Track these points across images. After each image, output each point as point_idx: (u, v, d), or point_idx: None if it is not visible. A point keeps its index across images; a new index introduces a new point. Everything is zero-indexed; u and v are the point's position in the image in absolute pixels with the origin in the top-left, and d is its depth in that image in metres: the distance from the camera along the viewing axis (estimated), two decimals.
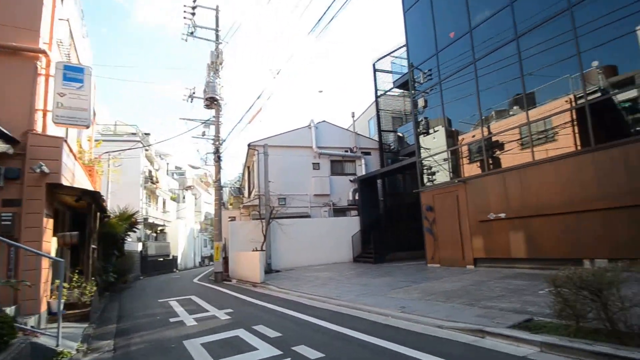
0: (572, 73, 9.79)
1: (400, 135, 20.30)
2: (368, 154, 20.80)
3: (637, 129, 8.99)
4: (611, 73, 9.52)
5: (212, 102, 16.83)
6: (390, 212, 18.82)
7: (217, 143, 17.02)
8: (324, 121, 20.82)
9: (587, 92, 9.45)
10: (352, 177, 19.92)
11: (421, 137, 14.68)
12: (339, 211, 19.61)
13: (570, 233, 9.23)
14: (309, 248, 17.28)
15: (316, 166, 19.88)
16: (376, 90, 20.29)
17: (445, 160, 13.57)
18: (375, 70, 20.32)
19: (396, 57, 19.35)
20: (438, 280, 9.91)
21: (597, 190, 8.73)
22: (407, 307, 6.61)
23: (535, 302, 5.95)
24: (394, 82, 19.32)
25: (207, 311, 8.40)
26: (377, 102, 20.35)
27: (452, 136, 13.51)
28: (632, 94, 9.06)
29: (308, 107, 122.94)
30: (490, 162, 11.98)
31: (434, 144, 14.12)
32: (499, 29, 11.46)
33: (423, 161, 14.57)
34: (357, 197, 19.14)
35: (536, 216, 10.08)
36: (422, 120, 14.70)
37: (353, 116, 21.73)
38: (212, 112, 17.19)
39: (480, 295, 7.11)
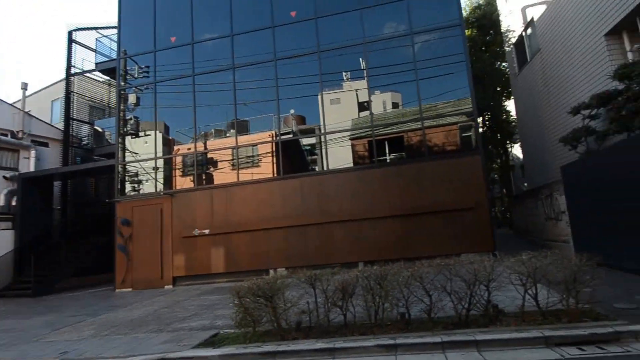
0: (276, 113, 11.62)
1: (99, 129, 16.85)
2: (45, 144, 15.71)
3: (312, 167, 11.88)
4: (301, 121, 12.16)
5: None
6: (70, 225, 14.88)
7: None
8: None
9: (282, 131, 11.55)
10: (8, 173, 14.18)
11: (128, 139, 12.72)
12: None
13: (262, 247, 10.68)
14: None
15: None
16: (69, 65, 15.95)
17: (154, 169, 12.35)
18: (71, 41, 16.00)
19: (105, 37, 16.11)
20: (125, 308, 8.53)
21: (282, 211, 10.63)
22: (71, 352, 5.18)
23: (225, 316, 6.02)
24: (97, 64, 15.91)
25: None
26: (68, 80, 15.97)
27: (168, 144, 12.60)
28: (311, 140, 11.90)
29: None
30: (204, 177, 12.09)
31: (144, 148, 12.59)
32: (220, 54, 12.06)
33: (126, 166, 12.60)
34: (14, 203, 13.77)
35: (236, 232, 10.98)
36: (131, 119, 12.79)
37: (25, 88, 15.84)
38: None
39: (172, 318, 6.77)
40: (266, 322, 4.76)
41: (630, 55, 7.99)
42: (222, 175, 11.84)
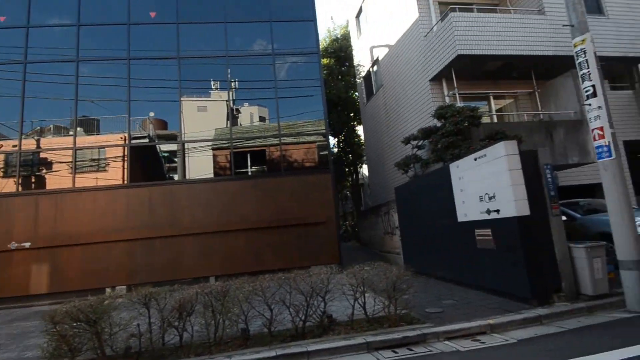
0: (133, 115, 10.37)
1: None
2: None
3: (170, 176, 10.96)
4: (162, 126, 11.14)
5: None
6: None
7: None
8: None
9: (137, 135, 10.41)
10: None
11: None
12: None
13: (99, 263, 9.37)
14: None
15: None
16: None
17: None
18: None
19: None
20: None
21: (126, 222, 9.56)
22: None
23: (39, 345, 4.90)
24: None
25: None
26: None
27: None
28: (172, 147, 11.00)
29: None
30: (33, 180, 9.86)
31: None
32: (64, 44, 10.44)
33: None
34: None
35: (67, 246, 9.40)
36: None
37: None
38: None
39: None
40: (88, 350, 4.21)
41: (447, 99, 9.97)
42: (57, 179, 9.88)
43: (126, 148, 10.14)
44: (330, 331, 4.63)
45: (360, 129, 18.79)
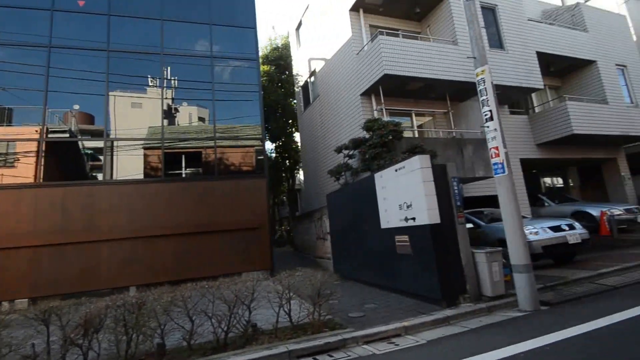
0: (51, 106, 9.19)
1: None
2: None
3: (94, 175, 9.84)
4: (87, 120, 10.00)
5: None
6: None
7: None
8: None
9: (55, 129, 9.27)
10: None
11: None
12: None
13: None
14: None
15: None
16: None
17: None
18: None
19: None
20: None
21: (32, 226, 8.38)
22: None
23: None
24: None
25: None
26: None
27: None
28: (98, 144, 9.91)
29: None
30: None
31: None
32: None
33: None
34: None
35: None
36: None
37: None
38: None
39: None
40: None
41: (375, 113, 10.39)
42: None
43: (42, 143, 8.90)
44: (254, 341, 4.44)
45: (298, 136, 18.91)
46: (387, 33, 10.26)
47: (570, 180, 17.02)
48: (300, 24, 15.85)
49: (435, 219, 5.48)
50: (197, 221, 9.27)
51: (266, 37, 33.72)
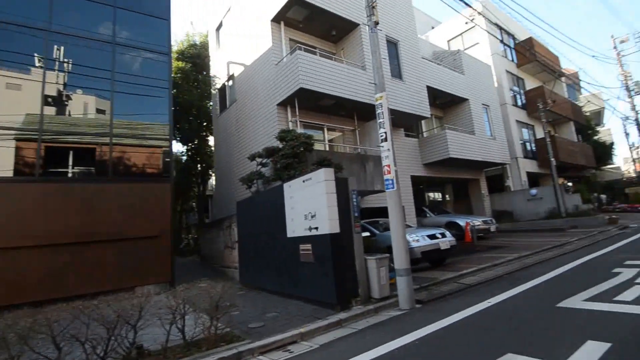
0: None
1: None
2: None
3: None
4: None
5: None
6: None
7: None
8: None
9: None
10: None
11: None
12: None
13: None
14: None
15: None
16: None
17: None
18: None
19: None
20: None
21: None
22: None
23: None
24: None
25: None
26: None
27: None
28: None
29: None
30: None
31: None
32: None
33: None
34: None
35: None
36: None
37: None
38: None
39: None
40: None
41: (290, 124, 10.40)
42: None
43: None
44: None
45: (212, 140, 17.83)
46: (305, 49, 10.41)
47: (447, 195, 19.63)
48: (221, 25, 15.03)
49: (336, 228, 5.65)
50: (81, 229, 7.76)
51: (183, 32, 31.17)
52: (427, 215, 14.85)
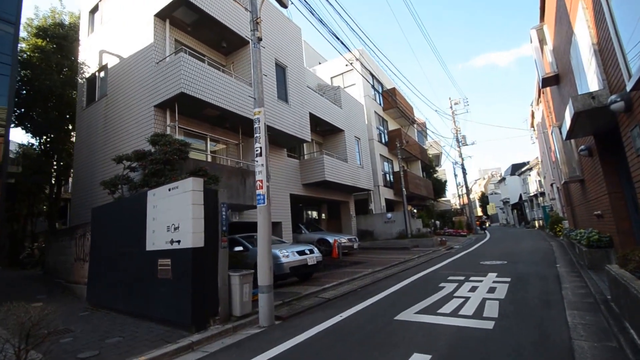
0: None
1: None
2: None
3: None
4: None
5: None
6: None
7: None
8: None
9: None
10: None
11: None
12: None
13: None
14: None
15: None
16: None
17: None
18: None
19: None
20: None
21: None
22: None
23: None
24: None
25: None
26: None
27: None
28: None
29: None
30: None
31: None
32: None
33: None
34: None
35: None
36: None
37: None
38: None
39: None
40: None
41: (169, 129, 9.36)
42: None
43: None
44: None
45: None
46: (191, 53, 9.70)
47: (323, 214, 20.91)
48: (96, 8, 12.77)
49: (200, 242, 5.20)
50: None
51: (48, 7, 25.20)
52: (303, 232, 15.42)
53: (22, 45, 11.87)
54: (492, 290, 6.40)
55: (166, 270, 5.41)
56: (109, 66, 11.58)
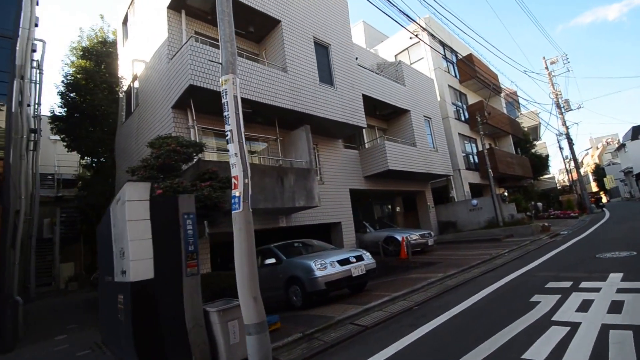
0: None
1: None
2: None
3: None
4: None
5: None
6: None
7: None
8: None
9: None
10: None
11: None
12: None
13: None
14: None
15: None
16: None
17: None
18: None
19: None
20: None
21: None
22: None
23: None
24: None
25: None
26: None
27: None
28: None
29: None
30: None
31: None
32: None
33: None
34: None
35: None
36: None
37: None
38: None
39: None
40: None
41: (192, 132, 8.10)
42: None
43: None
44: None
45: None
46: (211, 44, 8.23)
47: (397, 207, 17.81)
48: (126, 18, 12.14)
49: (146, 273, 3.41)
50: None
51: (88, 26, 25.91)
52: (368, 230, 12.87)
53: (69, 69, 12.00)
54: (616, 307, 3.57)
55: (121, 310, 3.79)
56: (138, 74, 10.75)
